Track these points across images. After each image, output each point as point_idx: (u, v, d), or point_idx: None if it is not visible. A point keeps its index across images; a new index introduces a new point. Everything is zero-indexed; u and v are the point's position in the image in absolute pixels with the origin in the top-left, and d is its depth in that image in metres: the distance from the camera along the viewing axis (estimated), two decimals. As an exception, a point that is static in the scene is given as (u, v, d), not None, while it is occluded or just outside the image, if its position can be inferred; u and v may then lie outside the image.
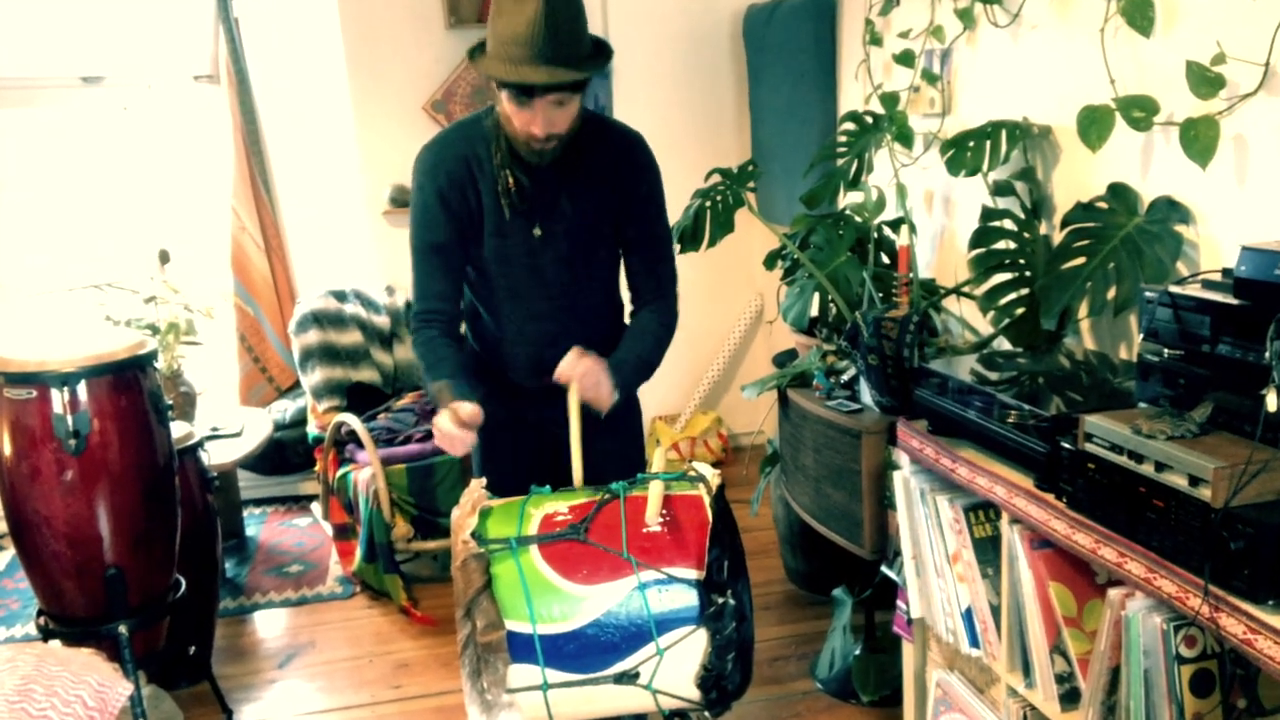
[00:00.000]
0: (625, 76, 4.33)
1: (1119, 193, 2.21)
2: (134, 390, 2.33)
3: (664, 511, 1.74)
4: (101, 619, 2.35)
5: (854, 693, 2.80)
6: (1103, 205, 2.22)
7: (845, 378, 2.71)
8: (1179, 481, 1.46)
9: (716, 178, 3.04)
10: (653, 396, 4.39)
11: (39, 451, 2.24)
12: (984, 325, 2.60)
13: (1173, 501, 1.46)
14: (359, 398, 3.96)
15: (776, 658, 3.05)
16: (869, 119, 2.93)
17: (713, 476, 1.80)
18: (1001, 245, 2.43)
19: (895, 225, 3.02)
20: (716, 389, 4.76)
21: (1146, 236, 2.08)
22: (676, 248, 2.49)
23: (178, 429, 2.69)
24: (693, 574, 1.67)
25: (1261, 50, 1.85)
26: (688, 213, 3.01)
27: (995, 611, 1.95)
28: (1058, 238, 2.30)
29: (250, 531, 4.13)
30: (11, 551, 3.64)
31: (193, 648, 2.91)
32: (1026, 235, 2.43)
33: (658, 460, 1.93)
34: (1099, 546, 1.62)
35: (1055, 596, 1.77)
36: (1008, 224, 2.46)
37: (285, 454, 4.16)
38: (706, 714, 1.73)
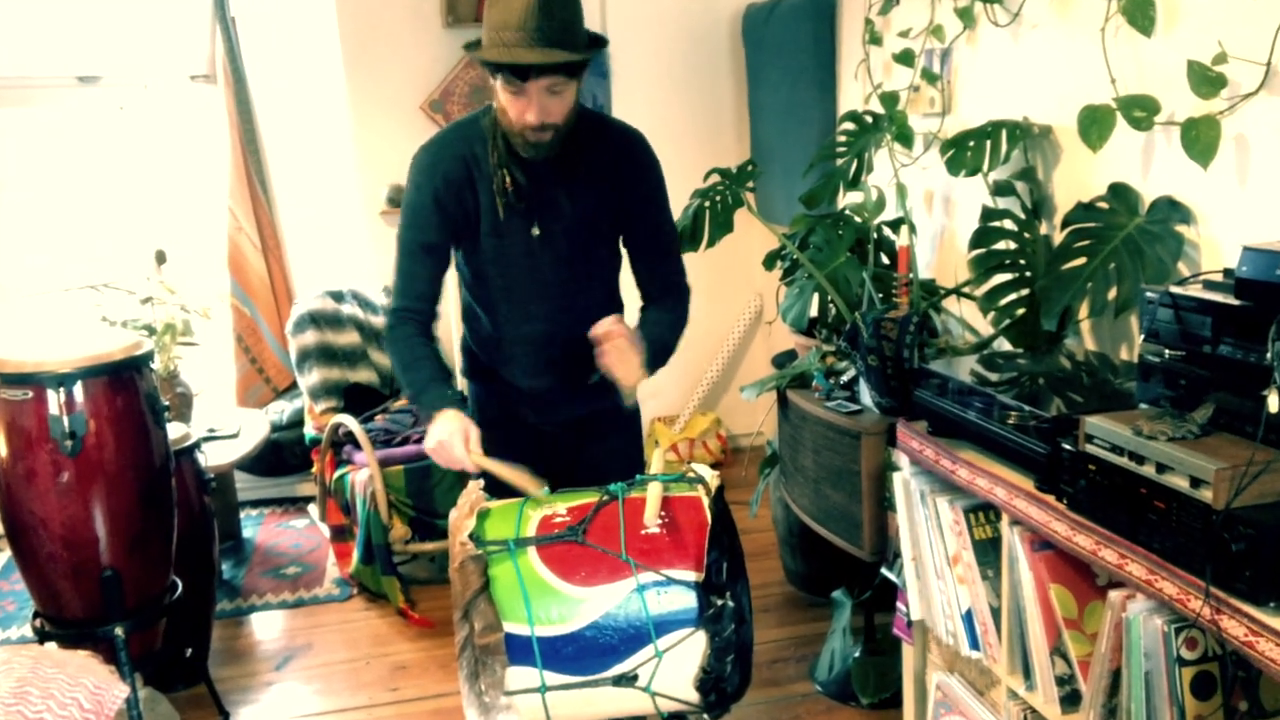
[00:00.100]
0: (624, 76, 4.32)
1: (1120, 193, 2.21)
2: (130, 391, 2.32)
3: (663, 513, 1.73)
4: (98, 621, 2.34)
5: (853, 695, 2.79)
6: (1103, 205, 2.22)
7: (845, 379, 2.70)
8: (1180, 483, 1.45)
9: (715, 178, 3.03)
10: (652, 397, 4.41)
11: (35, 453, 2.23)
12: (984, 326, 2.60)
13: (1174, 503, 1.46)
14: (356, 399, 3.95)
15: (776, 660, 3.05)
16: (869, 119, 2.92)
17: (712, 478, 1.79)
18: (1002, 245, 2.43)
19: (895, 225, 3.01)
20: (715, 390, 4.76)
21: (1147, 237, 2.08)
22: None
23: (174, 430, 2.68)
24: (691, 576, 1.66)
25: (1263, 50, 1.85)
26: (687, 213, 3.01)
27: (995, 613, 1.94)
28: (1058, 238, 2.30)
29: (247, 533, 4.12)
30: (7, 553, 3.62)
31: (189, 650, 2.90)
32: (1027, 235, 2.43)
33: (656, 461, 1.92)
34: (1100, 548, 1.61)
35: (1056, 598, 1.77)
36: (1008, 224, 2.46)
37: (282, 455, 4.16)
38: (705, 716, 1.72)
